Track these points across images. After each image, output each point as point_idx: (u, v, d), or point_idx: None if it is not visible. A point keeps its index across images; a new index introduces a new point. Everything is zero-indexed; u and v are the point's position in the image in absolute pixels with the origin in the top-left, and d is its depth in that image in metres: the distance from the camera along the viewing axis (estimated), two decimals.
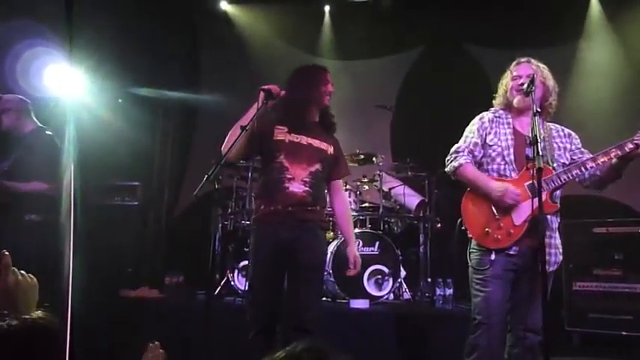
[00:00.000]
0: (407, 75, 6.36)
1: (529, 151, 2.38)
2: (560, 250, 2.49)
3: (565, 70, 5.61)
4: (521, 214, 2.36)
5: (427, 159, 4.81)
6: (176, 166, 6.41)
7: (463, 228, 2.53)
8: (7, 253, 1.14)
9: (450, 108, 5.62)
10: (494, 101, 2.66)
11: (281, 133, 2.67)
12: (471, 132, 2.59)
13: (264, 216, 2.64)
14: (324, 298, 4.33)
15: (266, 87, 2.59)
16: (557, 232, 2.49)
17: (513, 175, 2.44)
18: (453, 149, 2.62)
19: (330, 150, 2.76)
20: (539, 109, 2.30)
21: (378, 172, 4.86)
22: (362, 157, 4.91)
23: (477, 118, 2.63)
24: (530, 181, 2.33)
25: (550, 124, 2.57)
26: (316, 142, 2.71)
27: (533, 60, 2.56)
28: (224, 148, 2.57)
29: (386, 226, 4.94)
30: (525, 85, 2.38)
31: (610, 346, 4.17)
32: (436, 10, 5.97)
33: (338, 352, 0.96)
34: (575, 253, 4.56)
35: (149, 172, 6.08)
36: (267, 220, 2.62)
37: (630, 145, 2.28)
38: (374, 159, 4.95)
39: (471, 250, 2.52)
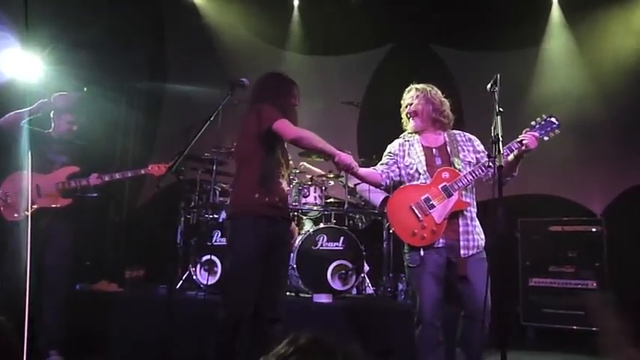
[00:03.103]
0: (375, 72, 6.40)
1: (438, 160, 2.80)
2: (482, 236, 2.76)
3: (528, 70, 5.78)
4: (441, 213, 2.69)
5: None
6: (139, 156, 6.25)
7: (391, 231, 2.72)
8: None
9: None
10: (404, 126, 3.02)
11: None
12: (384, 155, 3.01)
13: (259, 207, 2.61)
14: (287, 293, 4.34)
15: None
16: (477, 221, 2.77)
17: (428, 182, 2.75)
18: None
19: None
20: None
21: None
22: None
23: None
24: (443, 184, 2.71)
25: (453, 131, 2.92)
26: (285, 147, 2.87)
27: (417, 85, 3.02)
28: None
29: (351, 221, 4.98)
30: (489, 85, 2.57)
31: (563, 340, 4.34)
32: (405, 9, 6.02)
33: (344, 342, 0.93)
34: (531, 250, 4.71)
35: (111, 163, 5.92)
36: (262, 212, 2.61)
37: (516, 145, 2.66)
38: None
39: (404, 251, 2.79)
